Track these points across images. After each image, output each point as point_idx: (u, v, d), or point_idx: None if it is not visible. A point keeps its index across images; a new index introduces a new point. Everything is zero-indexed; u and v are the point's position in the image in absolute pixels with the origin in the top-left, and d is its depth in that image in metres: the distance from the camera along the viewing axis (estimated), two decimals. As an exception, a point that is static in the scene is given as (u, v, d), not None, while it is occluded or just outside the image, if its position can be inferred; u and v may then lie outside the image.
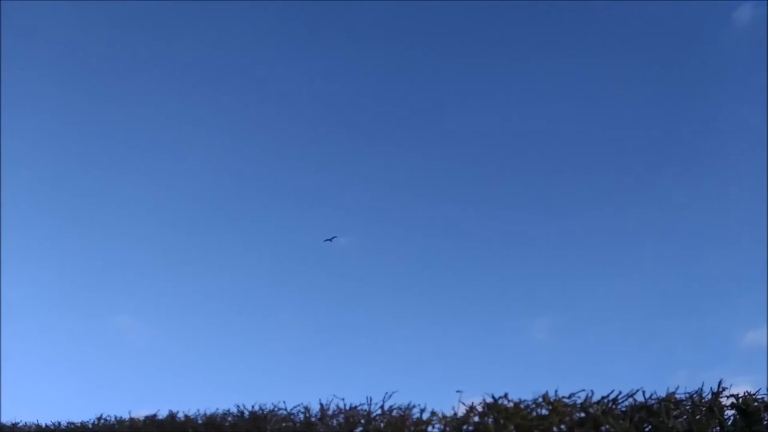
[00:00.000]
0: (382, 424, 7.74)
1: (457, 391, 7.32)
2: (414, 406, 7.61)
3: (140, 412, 11.95)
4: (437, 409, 7.54)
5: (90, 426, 12.09)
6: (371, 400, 7.87)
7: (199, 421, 10.72)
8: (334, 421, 8.63)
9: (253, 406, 10.02)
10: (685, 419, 6.00)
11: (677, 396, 6.09)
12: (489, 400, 6.42)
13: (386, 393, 7.72)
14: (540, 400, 6.15)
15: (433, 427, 7.34)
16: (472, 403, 6.48)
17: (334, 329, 19.90)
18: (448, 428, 6.87)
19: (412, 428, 7.40)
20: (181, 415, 11.09)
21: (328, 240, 16.65)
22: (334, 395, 8.68)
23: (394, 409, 7.68)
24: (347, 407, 8.41)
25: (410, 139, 22.71)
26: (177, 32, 24.00)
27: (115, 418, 12.15)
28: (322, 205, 22.97)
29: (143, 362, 20.33)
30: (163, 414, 11.43)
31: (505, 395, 6.28)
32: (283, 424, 9.35)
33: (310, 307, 20.97)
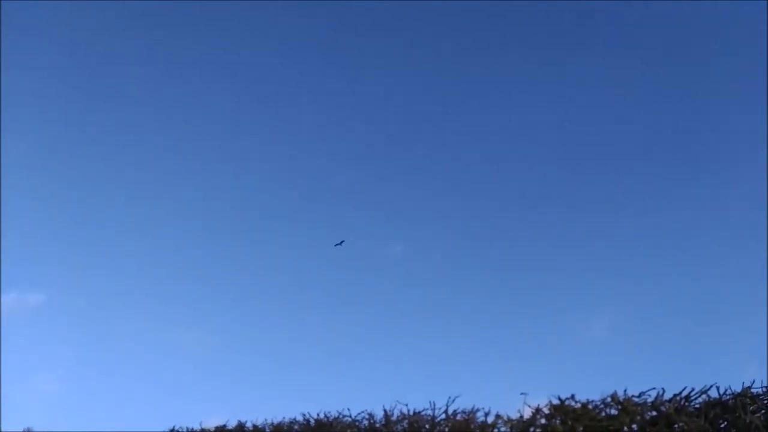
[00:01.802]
0: (446, 429, 7.74)
1: (522, 394, 7.25)
2: (478, 410, 7.57)
3: (210, 423, 12.35)
4: (501, 412, 7.50)
5: (163, 437, 12.55)
6: (435, 404, 7.88)
7: (267, 430, 10.97)
8: (399, 427, 8.67)
9: (318, 414, 10.19)
10: (762, 414, 5.76)
11: (753, 390, 5.85)
12: (555, 401, 6.32)
13: (449, 397, 7.72)
14: (608, 399, 6.02)
15: (499, 430, 7.29)
16: (538, 405, 6.41)
17: (389, 333, 19.98)
18: (515, 430, 6.80)
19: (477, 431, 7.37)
20: (249, 424, 11.38)
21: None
22: (397, 401, 8.73)
23: (458, 412, 7.66)
24: (411, 412, 8.44)
25: (455, 139, 22.53)
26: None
27: (187, 429, 12.58)
28: (367, 209, 23.01)
29: (209, 374, 20.88)
30: (232, 424, 11.77)
31: (572, 396, 6.17)
32: (348, 431, 9.46)
33: (363, 311, 21.12)
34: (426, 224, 22.77)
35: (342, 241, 16.84)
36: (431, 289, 21.23)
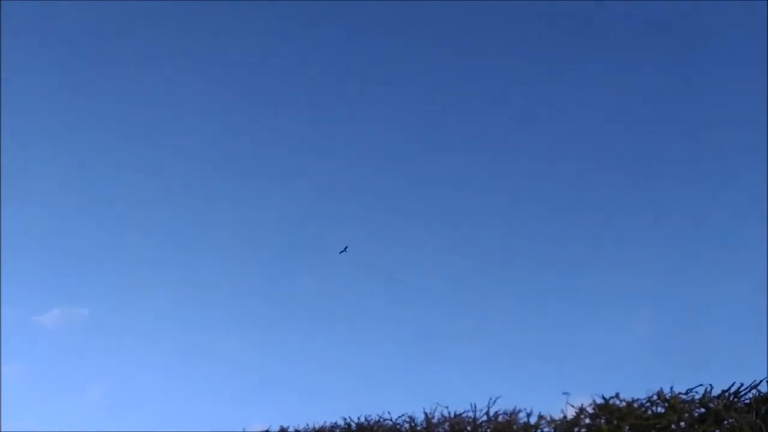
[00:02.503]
0: (488, 430, 7.67)
1: (564, 393, 7.15)
2: (520, 410, 7.49)
3: (254, 428, 12.49)
4: (543, 413, 7.40)
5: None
6: (476, 406, 7.82)
7: (309, 435, 11.04)
8: (440, 429, 8.64)
9: (358, 418, 10.22)
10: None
11: (806, 384, 5.67)
12: (599, 400, 6.22)
13: (490, 398, 7.65)
14: (654, 397, 5.90)
15: (542, 431, 7.20)
16: (582, 404, 6.30)
17: (427, 336, 19.90)
18: (557, 431, 6.71)
19: (521, 433, 7.29)
20: (291, 429, 11.50)
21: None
22: (437, 403, 8.70)
23: (500, 414, 7.59)
24: (452, 415, 8.40)
25: (507, 144, 22.27)
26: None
27: (230, 435, 12.77)
28: (401, 211, 22.94)
29: (250, 380, 21.13)
30: (274, 429, 11.90)
31: (617, 395, 6.06)
32: (390, 434, 9.47)
33: (398, 315, 21.07)
34: (459, 227, 22.64)
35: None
36: (467, 291, 21.09)
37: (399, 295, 21.69)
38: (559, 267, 20.56)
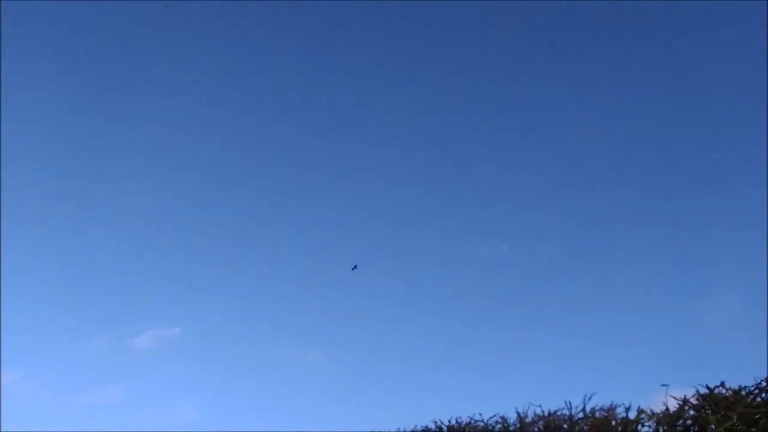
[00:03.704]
0: (585, 427, 7.53)
1: (663, 385, 6.95)
2: (617, 405, 7.32)
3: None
4: (644, 406, 7.19)
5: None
6: (571, 403, 7.70)
7: (400, 440, 11.15)
8: (534, 429, 8.53)
9: (449, 420, 10.22)
10: None
11: None
12: (703, 390, 6.01)
13: (585, 395, 7.52)
14: (763, 384, 5.65)
15: (642, 426, 7.01)
16: (685, 396, 6.10)
17: (512, 336, 19.69)
18: (661, 425, 6.52)
19: (620, 428, 7.12)
20: (382, 435, 11.65)
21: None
22: (529, 403, 8.60)
23: (597, 410, 7.44)
24: (546, 413, 8.28)
25: (559, 137, 21.91)
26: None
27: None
28: (476, 208, 22.81)
29: (336, 389, 21.52)
30: (365, 436, 12.09)
31: (722, 384, 5.84)
32: (483, 436, 9.42)
33: (482, 315, 20.91)
34: (531, 225, 22.28)
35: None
36: (546, 287, 20.70)
37: (475, 295, 21.55)
38: (642, 255, 19.88)
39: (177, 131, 25.31)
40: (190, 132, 25.54)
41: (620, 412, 7.19)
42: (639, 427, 6.88)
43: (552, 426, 8.06)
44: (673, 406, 6.38)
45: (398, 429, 11.28)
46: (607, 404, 7.38)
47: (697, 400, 6.00)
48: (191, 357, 23.07)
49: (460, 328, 20.69)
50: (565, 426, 7.72)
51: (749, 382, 5.79)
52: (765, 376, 5.66)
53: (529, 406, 8.54)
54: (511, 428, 8.88)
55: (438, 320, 21.16)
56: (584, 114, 22.30)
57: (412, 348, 20.93)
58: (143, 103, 25.51)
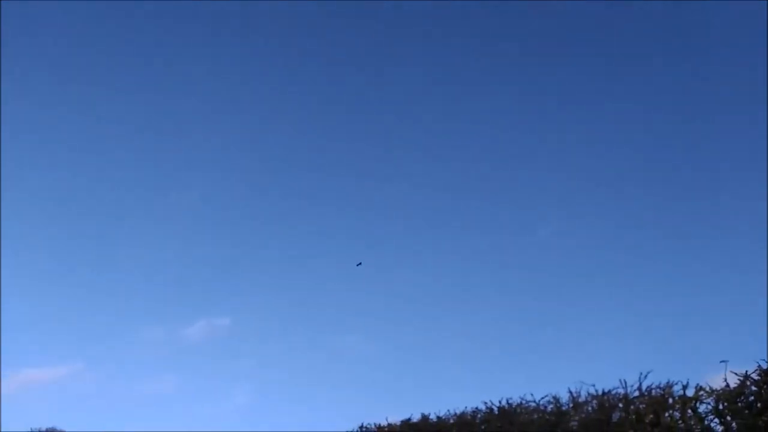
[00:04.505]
0: (642, 406, 7.43)
1: (722, 361, 6.80)
2: (674, 383, 7.19)
3: (395, 419, 12.89)
4: (699, 384, 7.05)
5: (354, 434, 13.29)
6: (626, 382, 7.61)
7: (451, 421, 11.21)
8: (588, 408, 8.47)
9: (500, 401, 10.23)
10: None
11: None
12: (765, 365, 5.85)
13: (641, 373, 7.42)
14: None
15: (701, 403, 6.88)
16: (746, 371, 5.96)
17: (560, 315, 19.59)
18: (721, 402, 6.39)
19: (678, 406, 7.01)
20: (433, 416, 11.72)
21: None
22: (581, 381, 8.54)
23: (653, 388, 7.34)
24: (599, 392, 8.21)
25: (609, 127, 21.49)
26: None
27: (375, 424, 13.24)
28: (516, 198, 22.64)
29: (380, 373, 21.78)
30: (416, 417, 12.20)
31: (786, 358, 5.68)
32: (535, 416, 9.40)
33: (528, 295, 20.80)
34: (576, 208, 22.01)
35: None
36: (598, 265, 20.46)
37: (521, 277, 21.43)
38: (699, 229, 19.44)
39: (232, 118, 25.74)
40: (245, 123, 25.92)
41: (677, 389, 7.07)
42: (698, 404, 6.75)
43: (606, 405, 7.99)
44: (733, 382, 6.24)
45: (448, 411, 11.34)
46: (663, 382, 7.28)
47: (759, 375, 5.85)
48: (241, 345, 23.69)
49: (506, 311, 20.65)
50: (621, 405, 7.65)
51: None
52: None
53: (581, 385, 8.49)
54: (564, 408, 8.83)
55: (482, 304, 21.16)
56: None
57: (457, 332, 20.99)
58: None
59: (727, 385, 6.19)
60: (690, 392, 6.89)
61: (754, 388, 5.92)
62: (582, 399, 8.45)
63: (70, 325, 24.40)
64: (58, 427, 18.29)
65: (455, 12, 23.00)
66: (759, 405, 5.83)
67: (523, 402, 9.62)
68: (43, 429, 17.02)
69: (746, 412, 5.97)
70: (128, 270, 25.55)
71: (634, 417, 7.40)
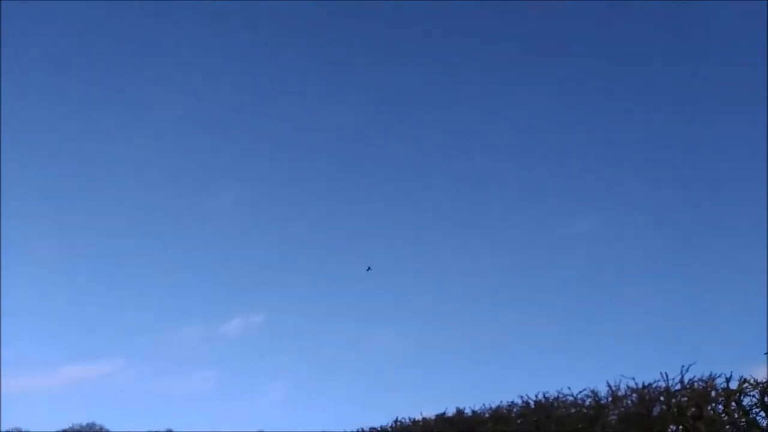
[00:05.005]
0: (684, 399, 7.40)
1: (766, 353, 6.77)
2: (717, 376, 7.15)
3: (430, 412, 12.97)
4: (742, 376, 6.99)
5: (389, 428, 13.39)
6: (667, 375, 7.58)
7: (486, 415, 11.24)
8: (628, 401, 8.44)
9: (536, 395, 10.22)
10: None
11: None
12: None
13: (683, 366, 7.39)
14: None
15: (746, 396, 6.84)
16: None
17: (597, 310, 19.58)
18: (766, 395, 6.37)
19: (721, 399, 6.98)
20: (468, 410, 11.78)
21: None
22: (621, 375, 8.51)
23: (695, 381, 7.31)
24: (639, 385, 8.17)
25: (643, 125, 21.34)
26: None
27: (409, 419, 13.32)
28: (548, 196, 22.65)
29: (408, 369, 21.97)
30: (450, 411, 12.26)
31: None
32: (572, 410, 9.38)
33: (564, 289, 20.81)
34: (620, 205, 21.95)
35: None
36: (615, 269, 20.41)
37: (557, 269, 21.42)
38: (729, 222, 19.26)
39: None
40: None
41: (720, 382, 7.04)
42: (742, 397, 6.73)
43: (647, 398, 7.96)
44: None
45: (483, 405, 11.37)
46: (706, 375, 7.24)
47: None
48: (276, 342, 24.04)
49: (544, 306, 20.66)
50: (662, 398, 7.62)
51: None
52: None
53: (621, 379, 8.45)
54: (603, 402, 8.81)
55: (516, 300, 21.19)
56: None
57: (492, 327, 21.05)
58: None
59: (773, 378, 6.17)
60: (733, 385, 6.88)
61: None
62: (621, 392, 8.42)
63: (111, 323, 25.03)
64: (98, 422, 18.74)
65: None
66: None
67: (561, 396, 9.58)
68: (84, 424, 17.44)
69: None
70: (167, 270, 26.13)
71: (675, 410, 7.37)
